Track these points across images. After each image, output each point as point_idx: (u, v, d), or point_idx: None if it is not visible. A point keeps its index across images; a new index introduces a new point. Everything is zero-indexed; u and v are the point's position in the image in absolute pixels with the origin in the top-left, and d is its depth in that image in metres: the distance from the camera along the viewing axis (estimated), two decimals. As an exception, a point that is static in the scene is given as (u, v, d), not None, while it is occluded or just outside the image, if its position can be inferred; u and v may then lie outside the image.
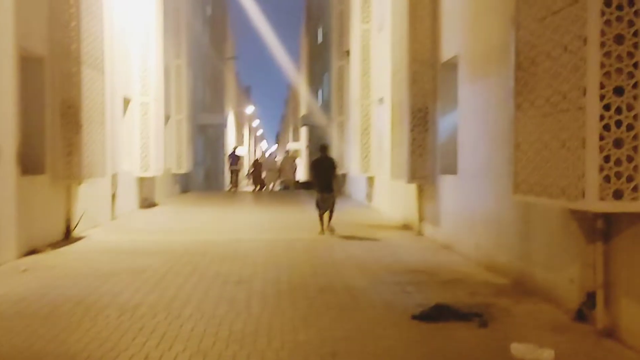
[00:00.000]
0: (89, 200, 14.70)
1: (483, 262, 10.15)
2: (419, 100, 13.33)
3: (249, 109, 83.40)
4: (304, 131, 58.16)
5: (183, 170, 27.96)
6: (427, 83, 13.26)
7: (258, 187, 40.07)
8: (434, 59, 13.17)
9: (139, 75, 20.10)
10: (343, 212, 19.33)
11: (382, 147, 19.91)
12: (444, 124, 12.97)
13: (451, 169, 12.74)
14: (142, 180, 20.71)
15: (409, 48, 13.42)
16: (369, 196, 22.06)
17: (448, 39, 12.43)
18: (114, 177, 17.27)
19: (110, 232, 14.81)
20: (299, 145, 69.35)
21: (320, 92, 46.52)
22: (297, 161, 53.92)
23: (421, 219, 14.21)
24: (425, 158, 13.31)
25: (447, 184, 12.47)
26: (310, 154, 50.03)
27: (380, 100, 20.22)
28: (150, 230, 15.49)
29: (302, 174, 57.06)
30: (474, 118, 10.78)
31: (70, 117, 12.88)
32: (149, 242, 13.22)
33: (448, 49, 12.42)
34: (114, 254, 11.50)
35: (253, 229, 15.71)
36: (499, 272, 9.50)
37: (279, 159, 58.66)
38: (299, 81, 64.34)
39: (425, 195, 13.95)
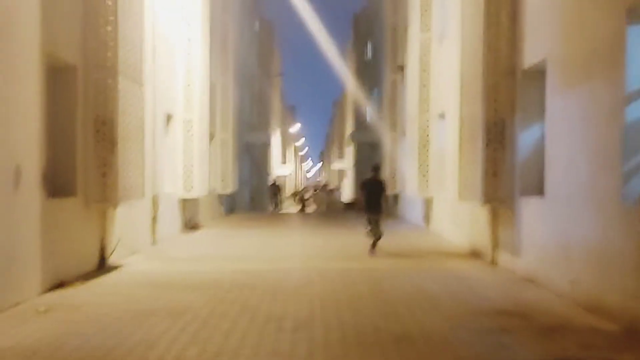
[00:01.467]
0: (126, 224, 13.42)
1: (582, 301, 8.52)
2: (495, 113, 11.76)
3: (294, 128, 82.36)
4: (349, 150, 56.72)
5: (228, 191, 26.68)
6: (505, 94, 11.69)
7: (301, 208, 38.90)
8: (512, 67, 11.61)
9: (182, 91, 18.92)
10: (399, 236, 17.94)
11: (443, 165, 18.35)
12: (525, 139, 11.39)
13: (534, 190, 11.16)
14: (185, 202, 19.45)
15: (483, 56, 11.89)
16: (427, 219, 20.46)
17: (532, 41, 10.86)
18: (155, 199, 15.99)
19: (150, 260, 13.48)
20: (345, 164, 67.96)
21: (368, 109, 45.05)
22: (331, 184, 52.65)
23: (495, 246, 12.59)
24: (502, 178, 11.72)
25: (529, 207, 10.87)
26: (357, 172, 48.55)
27: (441, 115, 18.69)
28: (193, 257, 14.15)
29: (347, 194, 55.63)
30: (570, 131, 9.18)
31: (105, 133, 11.60)
32: (191, 272, 11.86)
33: (532, 54, 10.85)
34: (151, 288, 10.13)
35: (303, 255, 14.27)
36: (605, 314, 7.88)
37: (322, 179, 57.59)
38: (347, 98, 63.02)
39: (500, 220, 12.34)
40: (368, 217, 14.70)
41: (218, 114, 25.75)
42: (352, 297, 9.35)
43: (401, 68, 25.92)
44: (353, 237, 17.92)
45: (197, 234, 19.09)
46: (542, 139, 11.29)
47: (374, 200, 14.75)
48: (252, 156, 40.57)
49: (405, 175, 23.84)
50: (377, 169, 15.74)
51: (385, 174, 26.87)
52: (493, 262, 12.55)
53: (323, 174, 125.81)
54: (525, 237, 11.00)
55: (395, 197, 27.71)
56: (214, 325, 7.66)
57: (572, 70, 9.27)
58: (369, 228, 14.67)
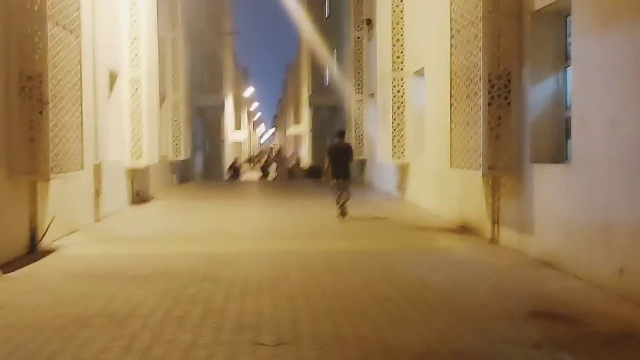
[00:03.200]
0: (63, 199, 11.37)
1: (636, 295, 6.81)
2: (498, 64, 9.94)
3: (248, 91, 79.78)
4: (306, 114, 54.67)
5: (181, 158, 24.53)
6: (510, 41, 9.88)
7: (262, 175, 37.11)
8: (519, 8, 9.79)
9: (128, 45, 16.70)
10: (373, 207, 16.21)
11: (421, 128, 16.55)
12: (536, 95, 9.63)
13: (549, 156, 9.44)
14: (133, 172, 17.33)
15: (482, -5, 10.06)
16: (402, 187, 18.68)
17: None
18: (97, 169, 13.90)
19: (91, 240, 11.45)
20: (301, 129, 65.82)
21: (328, 71, 43.01)
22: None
23: (495, 221, 10.85)
24: (508, 141, 9.94)
25: (546, 177, 9.11)
26: (315, 137, 46.60)
27: (419, 72, 16.83)
28: (142, 236, 12.14)
29: (304, 160, 53.65)
30: (611, 82, 7.39)
31: (32, 90, 9.52)
32: (140, 256, 9.87)
33: (549, -10, 9.05)
34: (89, 280, 8.15)
35: (272, 233, 12.39)
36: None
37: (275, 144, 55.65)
38: (302, 61, 60.70)
39: (502, 191, 10.59)
40: (335, 182, 14.62)
41: (168, 73, 23.54)
42: (342, 294, 7.48)
43: (368, 22, 23.97)
44: (322, 208, 16.13)
45: (147, 207, 17.03)
46: (557, 94, 9.57)
47: (341, 165, 14.66)
48: (204, 121, 38.31)
49: (375, 140, 22.00)
50: (342, 134, 15.66)
51: (349, 139, 25.12)
52: (493, 240, 10.82)
53: (277, 139, 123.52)
54: (539, 211, 9.26)
55: (362, 164, 25.92)
56: (169, 338, 5.73)
57: (609, 5, 7.47)
58: (338, 194, 14.53)
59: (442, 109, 13.91)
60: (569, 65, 9.33)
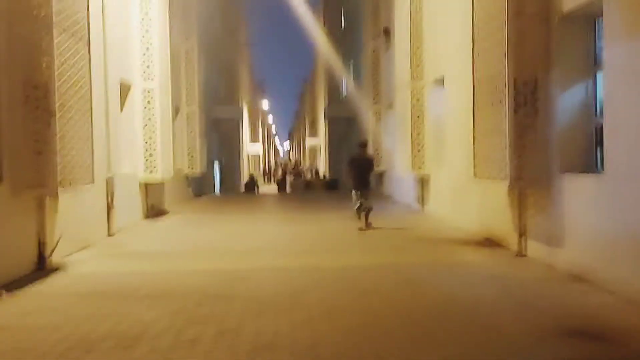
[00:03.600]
0: (73, 214, 11.01)
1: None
2: (524, 70, 9.49)
3: (264, 103, 79.53)
4: (322, 126, 54.27)
5: (196, 171, 24.16)
6: (536, 45, 9.43)
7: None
8: (546, 10, 9.35)
9: (140, 55, 16.39)
10: (393, 219, 15.75)
11: (442, 138, 16.09)
12: (565, 102, 9.18)
13: (580, 166, 8.98)
14: (147, 185, 16.97)
15: (506, -2, 9.63)
16: (422, 199, 18.20)
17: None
18: (110, 183, 13.55)
19: (102, 256, 11.07)
20: (317, 141, 65.46)
21: (344, 82, 42.66)
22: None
23: (522, 234, 10.36)
24: (535, 150, 9.47)
25: (577, 187, 8.63)
26: (331, 149, 46.21)
27: (439, 81, 16.39)
28: (155, 251, 11.75)
29: (322, 170, 53.25)
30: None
31: (38, 100, 9.16)
32: (152, 273, 9.47)
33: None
34: (97, 300, 7.76)
35: (289, 248, 11.94)
36: None
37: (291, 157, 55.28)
38: (318, 73, 60.42)
39: (529, 202, 10.10)
40: (356, 193, 14.65)
41: (183, 84, 23.22)
42: (363, 312, 7.04)
43: (385, 32, 23.57)
44: (340, 221, 15.77)
45: (161, 222, 16.64)
46: (587, 100, 9.11)
47: (362, 176, 14.75)
48: (221, 133, 38.00)
49: (394, 151, 21.56)
50: (364, 145, 15.75)
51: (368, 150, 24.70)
52: (521, 253, 10.33)
53: (293, 151, 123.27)
54: (569, 223, 8.78)
55: (380, 176, 25.47)
56: (179, 366, 5.33)
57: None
58: (358, 204, 14.50)
59: (464, 118, 13.48)
60: (599, 71, 8.89)
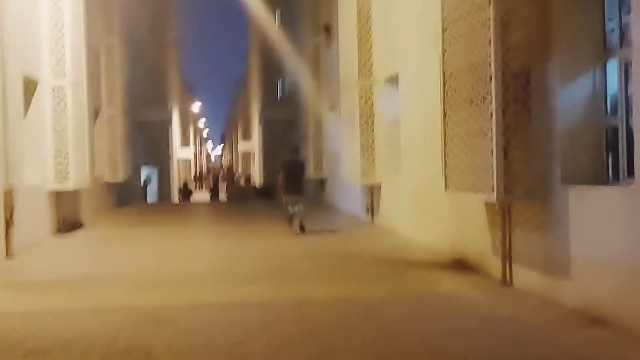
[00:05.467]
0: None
1: None
2: (514, 59, 7.75)
3: (195, 106, 76.79)
4: (257, 130, 52.21)
5: (119, 179, 21.86)
6: (530, 27, 7.70)
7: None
8: (543, -16, 7.65)
9: (49, 49, 14.14)
10: (343, 235, 13.94)
11: (396, 142, 14.33)
12: (567, 97, 7.46)
13: (588, 176, 7.27)
14: (58, 195, 14.69)
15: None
16: (371, 210, 16.36)
17: None
18: (8, 195, 11.33)
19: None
20: (251, 145, 63.34)
21: (280, 84, 40.75)
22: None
23: (506, 257, 8.61)
24: (530, 158, 7.74)
25: (591, 202, 6.88)
26: (267, 154, 44.22)
27: (392, 79, 14.63)
28: (59, 280, 9.53)
29: (257, 177, 51.18)
30: None
31: None
32: (48, 315, 7.31)
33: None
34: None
35: (225, 273, 9.92)
36: None
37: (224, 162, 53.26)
38: (252, 74, 58.34)
39: (518, 219, 8.34)
40: (288, 199, 14.79)
41: (103, 84, 20.94)
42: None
43: (326, 29, 21.78)
44: (282, 236, 13.96)
45: (74, 238, 14.39)
46: (596, 96, 7.41)
47: (294, 181, 14.84)
48: (148, 137, 35.57)
49: (338, 157, 19.75)
50: (296, 150, 16.38)
51: (308, 155, 22.99)
52: (505, 282, 8.58)
53: (226, 156, 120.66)
54: (580, 248, 7.02)
55: (321, 183, 23.62)
56: None
57: None
58: (291, 211, 14.63)
59: (425, 120, 11.80)
60: (610, 58, 7.23)
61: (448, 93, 9.26)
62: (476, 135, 8.33)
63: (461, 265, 10.03)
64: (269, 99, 42.54)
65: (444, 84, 9.36)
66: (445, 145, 9.37)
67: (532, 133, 7.70)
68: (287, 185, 14.79)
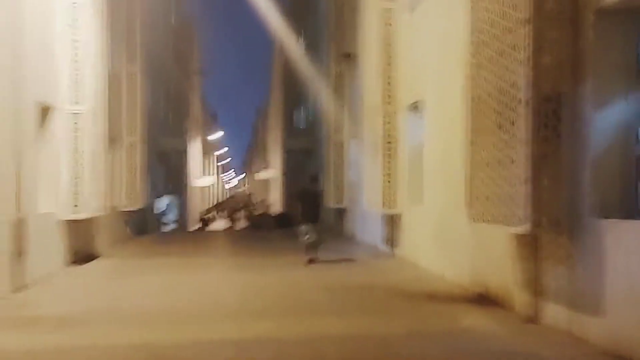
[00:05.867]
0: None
1: None
2: (545, 82, 7.37)
3: (216, 135, 76.90)
4: (277, 158, 52.00)
5: (136, 207, 21.57)
6: (563, 49, 7.34)
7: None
8: (576, 5, 7.27)
9: (67, 74, 13.94)
10: (362, 266, 13.47)
11: (419, 171, 13.93)
12: (600, 123, 7.06)
13: (618, 208, 6.86)
14: (73, 225, 14.40)
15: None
16: (391, 241, 15.93)
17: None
18: (18, 225, 11.04)
19: (-2, 323, 8.55)
20: (272, 173, 63.16)
21: (302, 113, 40.55)
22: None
23: (533, 291, 8.16)
24: (560, 186, 7.33)
25: (624, 236, 6.46)
26: (287, 183, 43.96)
27: (414, 107, 14.29)
28: (69, 315, 9.12)
29: (276, 205, 50.88)
30: None
31: None
32: (53, 353, 6.98)
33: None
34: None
35: (239, 308, 9.48)
36: None
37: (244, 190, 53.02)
38: (273, 104, 58.36)
39: (547, 252, 7.92)
40: (304, 227, 14.56)
41: (124, 112, 20.75)
42: None
43: (349, 56, 21.50)
44: (298, 269, 13.54)
45: (88, 270, 14.05)
46: (631, 120, 7.01)
47: (310, 209, 14.76)
48: (168, 166, 35.43)
49: (358, 186, 19.37)
50: (315, 178, 17.69)
51: (328, 184, 22.65)
52: (530, 318, 8.12)
53: (246, 185, 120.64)
54: (612, 284, 6.59)
55: (340, 213, 23.21)
56: None
57: None
58: (307, 238, 14.46)
59: (448, 148, 11.43)
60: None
61: (474, 119, 8.87)
62: (503, 163, 7.93)
63: (483, 299, 9.59)
64: (289, 127, 42.43)
65: (472, 110, 8.97)
66: (469, 173, 8.97)
67: (561, 161, 7.30)
68: (303, 214, 14.73)
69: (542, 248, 7.99)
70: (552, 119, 7.32)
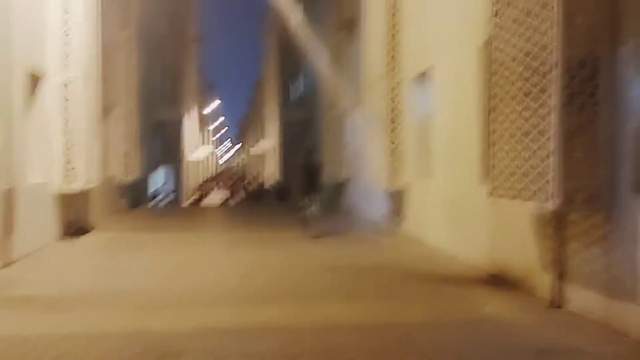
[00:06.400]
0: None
1: None
2: (580, 45, 6.72)
3: (214, 105, 75.82)
4: (274, 130, 51.21)
5: (131, 178, 20.92)
6: (599, 8, 6.67)
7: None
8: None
9: (57, 41, 13.23)
10: (368, 244, 12.86)
11: (426, 143, 13.29)
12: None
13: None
14: (65, 196, 13.77)
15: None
16: (397, 216, 15.31)
17: None
18: (8, 196, 10.40)
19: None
20: (268, 145, 62.41)
21: (299, 83, 39.72)
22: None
23: (558, 274, 7.57)
24: (595, 160, 6.70)
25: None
26: (284, 154, 43.26)
27: (422, 76, 13.60)
28: (57, 294, 8.50)
29: (273, 177, 50.22)
30: None
31: None
32: (45, 339, 6.36)
33: None
34: None
35: (239, 289, 8.86)
36: None
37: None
38: (270, 74, 57.44)
39: (575, 231, 7.30)
40: (304, 200, 14.70)
41: (118, 80, 20.02)
42: None
43: (349, 23, 20.76)
44: (300, 244, 12.95)
45: (81, 244, 13.42)
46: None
47: (310, 182, 14.79)
48: (164, 135, 34.68)
49: (358, 159, 18.74)
50: (310, 152, 16.99)
51: (326, 157, 22.06)
52: (555, 303, 7.54)
53: (242, 156, 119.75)
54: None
55: (339, 187, 22.56)
56: None
57: None
58: (308, 210, 14.57)
59: (462, 119, 10.78)
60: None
61: (496, 86, 8.20)
62: (531, 134, 7.28)
63: (501, 281, 8.99)
64: (286, 98, 41.67)
65: (492, 76, 8.31)
66: (492, 146, 8.32)
67: (597, 132, 6.66)
68: (302, 187, 14.87)
69: (570, 227, 7.37)
70: (588, 85, 6.68)
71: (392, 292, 8.78)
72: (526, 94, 7.36)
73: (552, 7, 6.76)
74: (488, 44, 8.55)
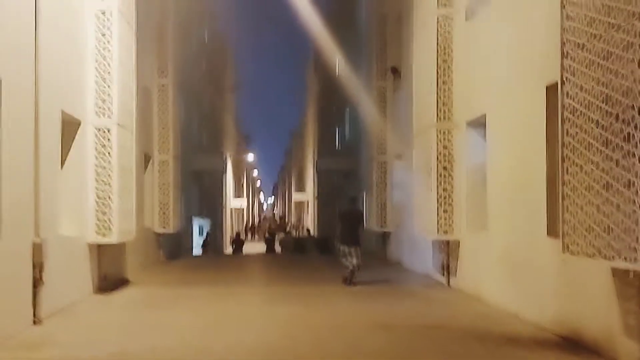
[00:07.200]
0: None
1: None
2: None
3: (250, 155, 75.85)
4: (312, 180, 50.63)
5: (170, 230, 20.35)
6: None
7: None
8: None
9: (93, 86, 12.78)
10: (421, 300, 12.09)
11: (481, 194, 12.51)
12: None
13: None
14: (100, 249, 13.19)
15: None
16: (447, 270, 14.45)
17: None
18: (37, 250, 9.80)
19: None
20: (305, 196, 61.91)
21: (339, 132, 39.19)
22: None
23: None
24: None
25: None
26: (322, 205, 42.66)
27: (474, 123, 12.91)
28: (89, 356, 7.86)
29: (311, 228, 49.56)
30: None
31: None
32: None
33: None
34: None
35: (283, 353, 8.09)
36: None
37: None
38: (308, 124, 57.25)
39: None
40: (343, 249, 14.49)
41: (155, 128, 19.66)
42: None
43: (393, 71, 20.24)
44: (345, 300, 12.15)
45: (115, 298, 12.75)
46: None
47: (351, 231, 14.63)
48: (201, 185, 34.27)
49: (405, 209, 17.99)
50: (353, 200, 17.46)
51: (370, 206, 21.42)
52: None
53: (278, 207, 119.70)
54: None
55: (384, 237, 21.82)
56: None
57: None
58: (347, 265, 14.32)
59: (522, 167, 10.06)
60: None
61: (568, 135, 7.45)
62: (612, 187, 6.50)
63: (574, 344, 8.13)
64: (325, 148, 41.27)
65: (562, 124, 7.57)
66: (563, 198, 7.54)
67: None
68: (342, 236, 14.65)
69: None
70: (682, 131, 5.91)
71: (453, 353, 7.95)
72: (605, 144, 6.60)
73: (637, 48, 6.02)
74: (555, 88, 7.82)
